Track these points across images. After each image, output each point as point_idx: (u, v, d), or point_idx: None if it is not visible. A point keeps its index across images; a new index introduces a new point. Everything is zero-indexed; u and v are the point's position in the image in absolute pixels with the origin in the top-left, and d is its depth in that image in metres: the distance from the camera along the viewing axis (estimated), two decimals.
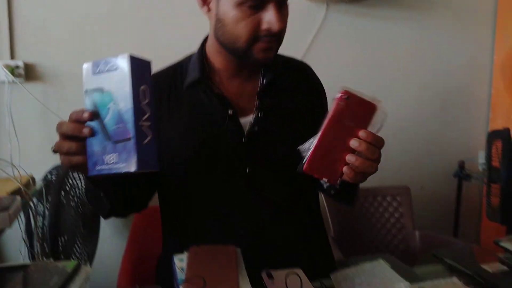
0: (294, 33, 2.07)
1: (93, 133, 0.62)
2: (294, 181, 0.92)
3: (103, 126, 0.62)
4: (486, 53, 2.47)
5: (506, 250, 0.87)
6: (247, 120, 0.91)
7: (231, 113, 0.88)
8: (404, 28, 2.21)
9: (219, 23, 0.84)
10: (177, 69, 0.96)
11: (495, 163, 2.13)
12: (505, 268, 0.78)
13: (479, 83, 2.49)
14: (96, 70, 0.62)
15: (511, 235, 0.91)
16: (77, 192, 1.39)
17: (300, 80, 1.00)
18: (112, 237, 1.89)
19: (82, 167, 0.65)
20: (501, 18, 2.41)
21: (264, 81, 0.92)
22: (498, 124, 2.39)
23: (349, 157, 0.69)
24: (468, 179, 2.20)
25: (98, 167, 0.62)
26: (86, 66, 0.63)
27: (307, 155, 0.70)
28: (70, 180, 1.35)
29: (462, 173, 2.18)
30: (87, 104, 0.63)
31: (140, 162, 0.59)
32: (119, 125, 0.61)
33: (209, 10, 0.87)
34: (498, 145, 2.24)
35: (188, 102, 0.90)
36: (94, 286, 1.25)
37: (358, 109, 0.68)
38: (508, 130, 2.27)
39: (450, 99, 2.42)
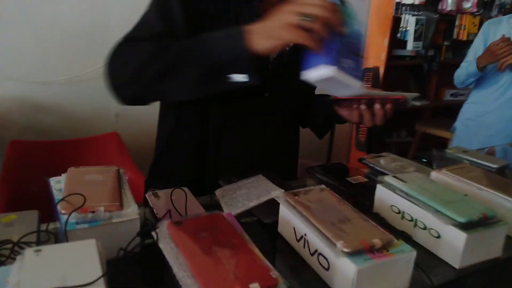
0: None
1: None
2: (297, 110, 1.05)
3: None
4: None
5: (367, 165, 1.00)
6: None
7: None
8: None
9: None
10: None
11: None
12: (365, 179, 0.89)
13: None
14: None
15: (373, 154, 1.04)
16: None
17: None
18: None
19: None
20: None
21: None
22: (369, 63, 2.62)
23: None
24: None
25: (339, 65, 0.66)
26: None
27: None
28: None
29: None
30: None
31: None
32: (354, 40, 0.70)
33: None
34: (368, 79, 2.48)
35: (234, 15, 0.87)
36: None
37: None
38: (377, 68, 2.52)
39: None
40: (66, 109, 2.00)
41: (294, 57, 0.95)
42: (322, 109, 1.07)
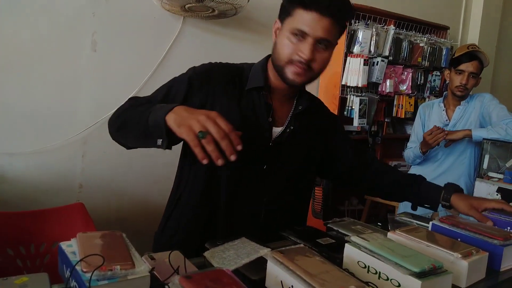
0: (153, 40, 2.18)
1: None
2: (296, 187, 1.21)
3: None
4: None
5: (332, 229, 1.13)
6: (277, 130, 1.15)
7: (270, 120, 1.12)
8: (249, 48, 2.48)
9: (274, 46, 1.09)
10: (238, 71, 1.16)
11: None
12: (333, 240, 1.02)
13: None
14: None
15: (336, 219, 1.18)
16: None
17: (320, 113, 1.28)
18: None
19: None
20: None
21: (300, 107, 1.17)
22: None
23: None
24: None
25: None
26: None
27: None
28: None
29: None
30: None
31: None
32: None
33: (275, 37, 1.11)
34: None
35: (245, 100, 1.12)
36: None
37: None
38: None
39: None
40: (30, 180, 2.00)
41: (293, 138, 1.16)
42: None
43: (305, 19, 1.01)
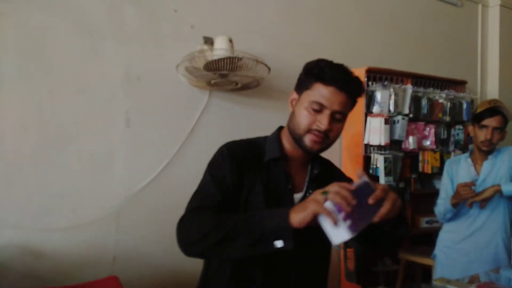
0: (182, 114, 2.31)
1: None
2: (317, 253, 1.22)
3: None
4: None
5: None
6: (297, 196, 1.20)
7: (290, 188, 1.18)
8: (273, 114, 2.58)
9: (292, 116, 1.19)
10: (256, 144, 1.24)
11: None
12: None
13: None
14: None
15: None
16: None
17: (332, 173, 1.34)
18: None
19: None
20: None
21: (315, 171, 1.24)
22: None
23: None
24: None
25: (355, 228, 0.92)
26: None
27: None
28: None
29: None
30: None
31: None
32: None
33: (291, 108, 1.21)
34: None
35: (267, 172, 1.19)
36: None
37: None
38: None
39: None
40: (65, 255, 2.06)
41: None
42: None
43: (324, 93, 1.12)
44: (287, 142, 1.23)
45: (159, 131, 2.29)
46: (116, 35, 2.19)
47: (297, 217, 0.95)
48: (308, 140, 1.14)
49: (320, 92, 1.12)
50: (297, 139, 1.17)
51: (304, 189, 1.22)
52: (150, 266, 2.24)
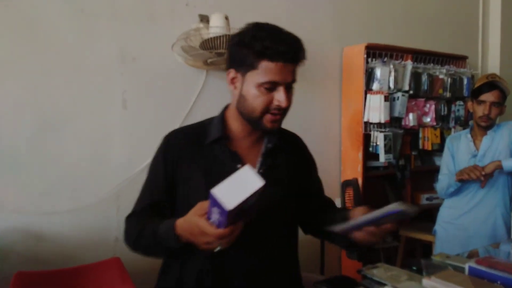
0: (179, 94, 2.29)
1: None
2: (280, 227, 1.16)
3: None
4: (335, 117, 2.98)
5: (366, 277, 1.12)
6: None
7: (239, 166, 1.09)
8: None
9: (242, 98, 1.08)
10: (201, 127, 1.18)
11: (349, 207, 2.54)
12: None
13: (332, 142, 2.95)
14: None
15: (369, 266, 1.17)
16: None
17: (292, 146, 1.27)
18: None
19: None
20: (345, 89, 2.96)
21: (269, 145, 1.16)
22: (348, 175, 2.86)
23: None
24: None
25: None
26: None
27: None
28: None
29: None
30: None
31: None
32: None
33: (234, 88, 1.11)
34: (349, 192, 2.69)
35: (207, 155, 1.13)
36: None
37: None
38: (356, 179, 2.74)
39: None
40: (67, 238, 2.07)
41: (269, 178, 1.02)
42: (339, 238, 1.15)
43: (274, 70, 1.04)
44: (234, 120, 1.15)
45: (156, 112, 2.27)
46: (111, 13, 2.14)
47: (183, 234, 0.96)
48: (267, 121, 1.08)
49: (270, 70, 1.03)
50: (252, 122, 1.10)
51: (258, 165, 1.15)
52: None
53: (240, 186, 0.81)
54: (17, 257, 1.94)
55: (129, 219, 1.16)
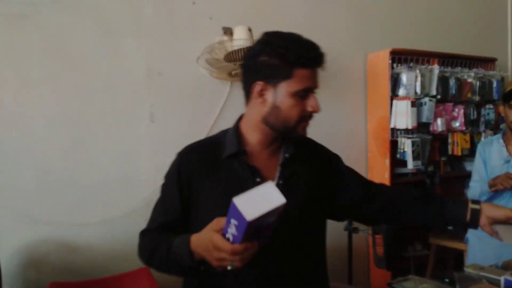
0: (205, 106, 2.32)
1: None
2: (302, 241, 1.12)
3: None
4: (361, 124, 2.95)
5: None
6: None
7: (259, 180, 1.08)
8: None
9: (275, 110, 1.06)
10: (215, 142, 1.15)
11: None
12: None
13: (358, 149, 2.92)
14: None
15: (400, 278, 1.15)
16: None
17: (312, 153, 1.21)
18: None
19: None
20: (370, 94, 2.93)
21: (286, 155, 1.13)
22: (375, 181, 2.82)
23: None
24: (356, 232, 2.51)
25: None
26: None
27: None
28: None
29: (350, 227, 2.49)
30: None
31: None
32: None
33: (263, 100, 1.07)
34: None
35: (225, 170, 1.09)
36: None
37: None
38: None
39: None
40: (99, 249, 2.12)
41: (289, 190, 1.05)
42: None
43: (308, 77, 1.05)
44: (252, 132, 1.12)
45: (183, 124, 2.31)
46: (136, 31, 2.21)
47: (197, 251, 0.94)
48: (301, 128, 1.09)
49: (305, 77, 1.04)
50: (286, 131, 1.09)
51: (277, 175, 1.12)
52: None
53: (261, 200, 0.79)
54: (51, 267, 2.01)
55: (144, 234, 1.14)
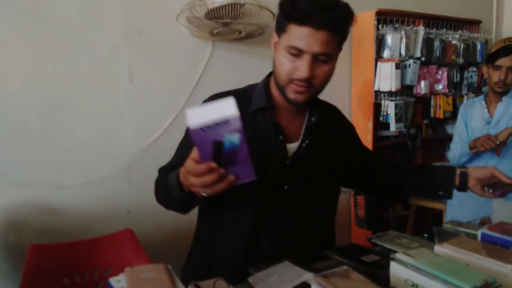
0: (186, 66, 2.26)
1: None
2: (321, 203, 1.16)
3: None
4: (345, 87, 2.93)
5: (376, 244, 1.12)
6: (292, 146, 1.10)
7: (282, 138, 1.08)
8: None
9: (273, 63, 1.05)
10: (242, 95, 1.12)
11: None
12: (378, 257, 1.01)
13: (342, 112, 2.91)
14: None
15: (380, 233, 1.16)
16: None
17: (334, 120, 1.24)
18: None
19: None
20: (355, 57, 2.90)
21: (312, 119, 1.12)
22: None
23: None
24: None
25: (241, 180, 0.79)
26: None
27: None
28: None
29: None
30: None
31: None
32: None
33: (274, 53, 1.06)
34: None
35: (249, 123, 1.07)
36: None
37: None
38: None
39: None
40: (80, 211, 2.10)
41: (311, 152, 1.10)
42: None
43: (300, 35, 0.96)
44: (275, 90, 1.09)
45: (163, 85, 2.25)
46: None
47: (183, 181, 0.91)
48: (290, 91, 1.02)
49: (296, 34, 0.96)
50: (280, 90, 1.05)
51: (301, 138, 1.12)
52: (163, 218, 2.25)
53: (213, 112, 0.72)
54: (32, 230, 1.99)
55: (159, 172, 1.15)
